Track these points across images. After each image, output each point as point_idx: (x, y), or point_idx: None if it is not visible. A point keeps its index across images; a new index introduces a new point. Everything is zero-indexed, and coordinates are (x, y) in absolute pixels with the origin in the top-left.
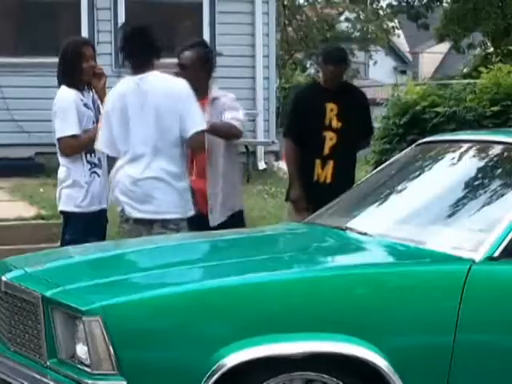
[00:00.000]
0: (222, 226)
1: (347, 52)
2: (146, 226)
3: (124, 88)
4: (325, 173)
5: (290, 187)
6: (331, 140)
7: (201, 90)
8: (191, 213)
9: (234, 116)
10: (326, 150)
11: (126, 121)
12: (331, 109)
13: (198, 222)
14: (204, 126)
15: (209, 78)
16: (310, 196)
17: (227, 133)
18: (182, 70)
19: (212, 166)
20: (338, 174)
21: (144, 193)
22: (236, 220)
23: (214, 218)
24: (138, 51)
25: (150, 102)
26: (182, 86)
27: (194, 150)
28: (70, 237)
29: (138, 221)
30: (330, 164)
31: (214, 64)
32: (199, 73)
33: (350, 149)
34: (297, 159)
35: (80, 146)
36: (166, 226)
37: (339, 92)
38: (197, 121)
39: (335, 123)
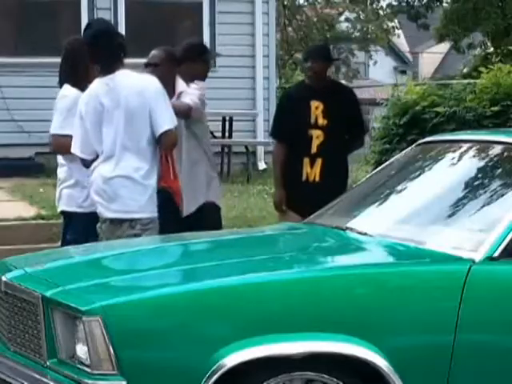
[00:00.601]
0: (193, 217)
1: (328, 49)
2: (118, 225)
3: (97, 90)
4: (314, 171)
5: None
6: (318, 138)
7: (171, 87)
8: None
9: (188, 97)
10: (314, 149)
11: (100, 122)
12: (316, 106)
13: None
14: (175, 124)
15: (175, 73)
16: (300, 195)
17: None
18: (153, 70)
19: (178, 159)
20: (327, 173)
21: (113, 191)
22: (206, 213)
23: (185, 209)
24: (105, 54)
25: (123, 101)
26: (152, 83)
27: (165, 148)
28: (71, 237)
29: (112, 221)
30: (319, 162)
31: (210, 64)
32: (170, 71)
33: (339, 147)
34: (282, 160)
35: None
36: (133, 226)
37: (325, 90)
38: (167, 118)
39: (321, 121)
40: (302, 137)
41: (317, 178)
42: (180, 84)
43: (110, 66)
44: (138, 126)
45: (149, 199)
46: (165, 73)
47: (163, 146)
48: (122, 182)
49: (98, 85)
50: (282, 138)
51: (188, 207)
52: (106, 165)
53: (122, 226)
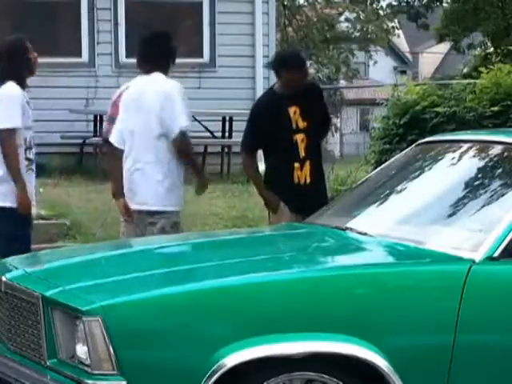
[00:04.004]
0: None
1: (301, 57)
2: None
3: None
4: (304, 174)
5: (263, 198)
6: (303, 141)
7: None
8: None
9: None
10: (302, 153)
11: None
12: (294, 111)
13: None
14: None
15: None
16: (292, 195)
17: None
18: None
19: None
20: (314, 173)
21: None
22: None
23: None
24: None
25: None
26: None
27: None
28: (7, 232)
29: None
30: (307, 164)
31: None
32: None
33: (318, 144)
34: (256, 168)
35: None
36: None
37: (297, 93)
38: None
39: (301, 124)
40: (289, 143)
41: (307, 180)
42: None
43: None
44: None
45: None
46: None
47: None
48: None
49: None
50: (254, 150)
51: None
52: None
53: None
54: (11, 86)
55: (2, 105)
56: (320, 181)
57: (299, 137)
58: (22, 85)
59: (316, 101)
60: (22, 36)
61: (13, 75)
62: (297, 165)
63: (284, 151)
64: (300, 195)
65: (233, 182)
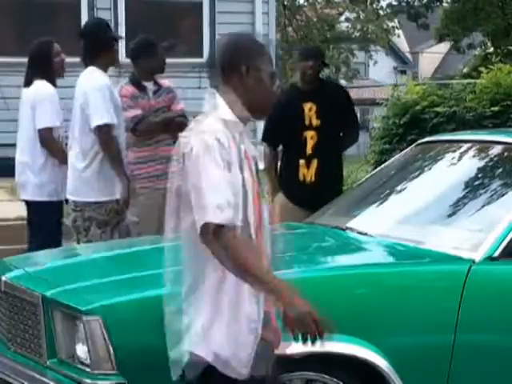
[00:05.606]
0: None
1: (319, 50)
2: None
3: None
4: (310, 172)
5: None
6: (312, 139)
7: None
8: None
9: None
10: (309, 150)
11: None
12: (310, 108)
13: None
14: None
15: None
16: (297, 195)
17: None
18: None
19: None
20: (323, 173)
21: None
22: None
23: None
24: None
25: None
26: None
27: None
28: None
29: None
30: (315, 163)
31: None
32: None
33: (332, 146)
34: (274, 163)
35: None
36: None
37: (317, 90)
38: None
39: (315, 122)
40: (297, 139)
41: (313, 179)
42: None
43: None
44: None
45: None
46: None
47: None
48: None
49: None
50: (272, 143)
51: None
52: None
53: None
54: (47, 86)
55: (45, 104)
56: (330, 180)
57: (309, 134)
58: (54, 85)
59: (336, 103)
60: (49, 39)
61: (43, 76)
62: (302, 162)
63: (292, 146)
64: (305, 192)
65: None
